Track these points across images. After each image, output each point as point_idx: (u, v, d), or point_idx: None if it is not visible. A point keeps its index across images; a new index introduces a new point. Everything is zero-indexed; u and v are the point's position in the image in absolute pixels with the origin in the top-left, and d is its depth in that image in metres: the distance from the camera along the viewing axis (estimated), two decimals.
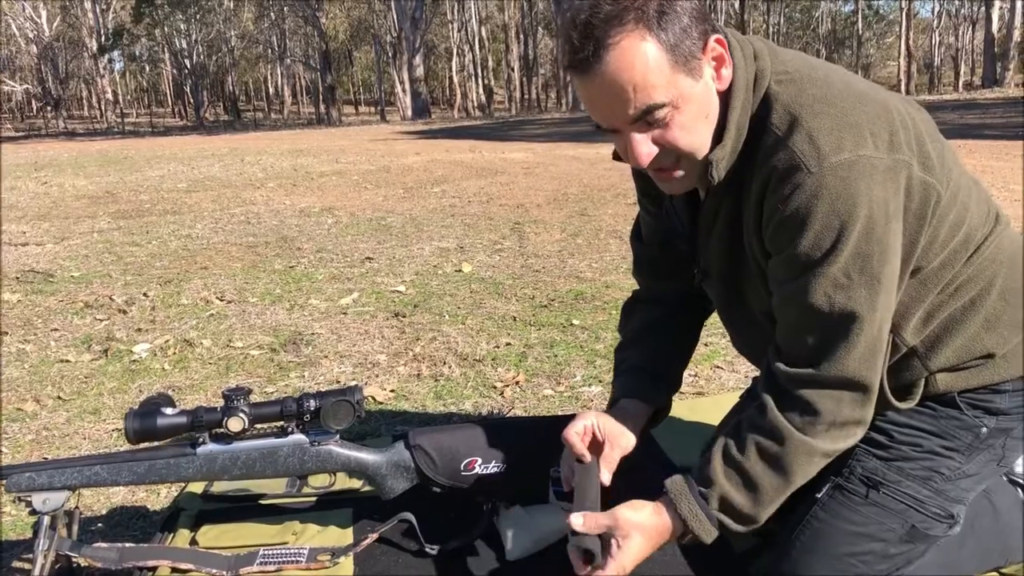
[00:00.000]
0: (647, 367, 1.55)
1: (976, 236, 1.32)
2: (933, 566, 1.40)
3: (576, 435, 1.42)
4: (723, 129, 1.23)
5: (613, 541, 1.28)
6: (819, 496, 1.40)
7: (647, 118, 1.17)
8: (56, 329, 3.48)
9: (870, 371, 1.21)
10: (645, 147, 1.21)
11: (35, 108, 50.87)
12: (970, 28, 41.44)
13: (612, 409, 1.51)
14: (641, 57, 1.13)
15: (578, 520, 1.30)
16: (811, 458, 1.24)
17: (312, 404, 1.57)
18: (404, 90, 32.41)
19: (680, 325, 1.62)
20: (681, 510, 1.28)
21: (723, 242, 1.36)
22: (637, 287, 1.70)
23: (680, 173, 1.25)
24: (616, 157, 1.40)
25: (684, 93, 1.17)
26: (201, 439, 1.59)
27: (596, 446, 1.45)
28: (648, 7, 1.14)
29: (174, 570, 1.59)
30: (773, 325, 1.31)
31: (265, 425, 1.61)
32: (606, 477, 1.42)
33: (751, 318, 1.41)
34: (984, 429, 1.37)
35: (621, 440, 1.45)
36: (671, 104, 1.17)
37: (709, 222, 1.37)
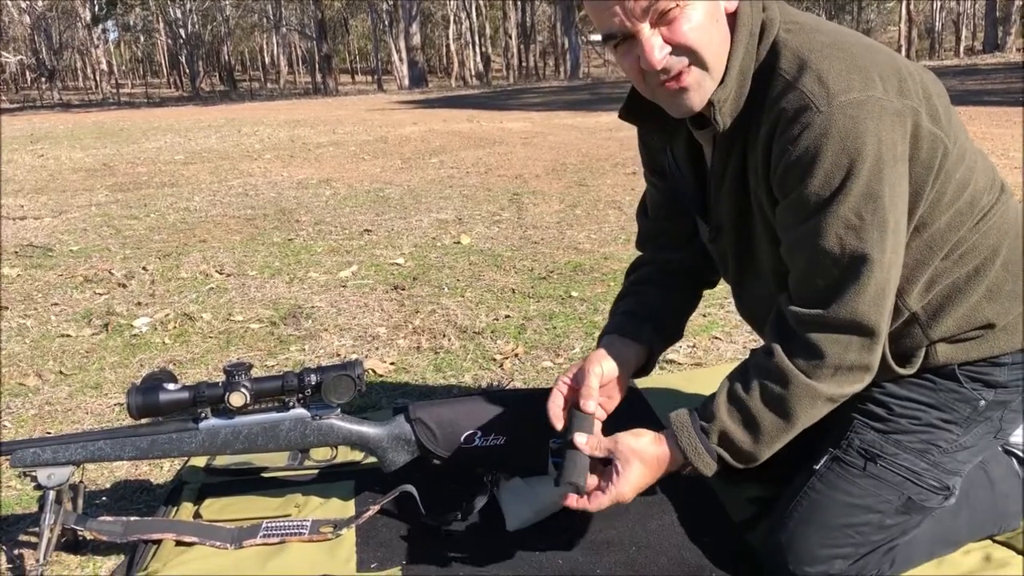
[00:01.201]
0: (636, 311, 1.57)
1: (981, 202, 1.33)
2: (928, 535, 1.43)
3: (594, 390, 1.42)
4: (726, 71, 1.24)
5: (613, 468, 1.32)
6: (817, 468, 1.43)
7: (658, 6, 1.17)
8: (56, 304, 3.49)
9: (878, 315, 1.22)
10: (658, 46, 1.20)
11: (29, 79, 50.52)
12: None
13: (599, 349, 1.51)
14: None
15: (581, 439, 1.35)
16: (815, 401, 1.25)
17: (313, 379, 1.58)
18: (401, 59, 32.18)
19: (678, 283, 1.63)
20: (681, 442, 1.31)
21: (733, 196, 1.36)
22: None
23: (689, 78, 1.23)
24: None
25: None
26: (203, 414, 1.60)
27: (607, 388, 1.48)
28: None
29: (178, 543, 1.61)
30: (779, 285, 1.33)
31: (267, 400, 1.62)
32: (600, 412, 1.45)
33: (759, 277, 1.42)
34: (982, 402, 1.38)
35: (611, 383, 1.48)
36: None
37: (719, 175, 1.37)
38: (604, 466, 1.36)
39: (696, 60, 1.22)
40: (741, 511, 1.67)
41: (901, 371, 1.37)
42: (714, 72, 1.24)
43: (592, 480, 1.35)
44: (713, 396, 1.33)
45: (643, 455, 1.33)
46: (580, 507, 1.35)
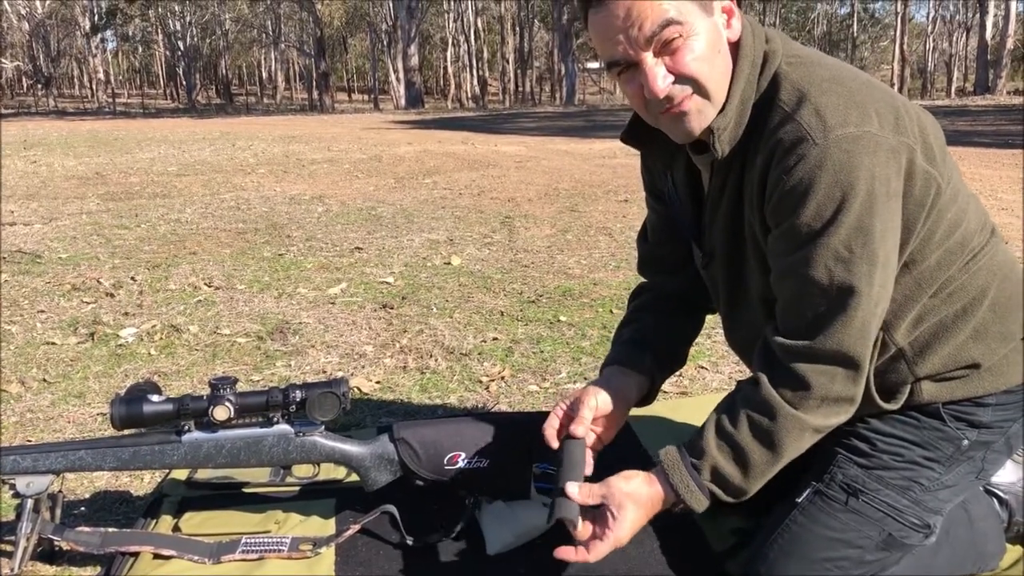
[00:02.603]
0: (637, 340, 1.57)
1: (972, 242, 1.34)
2: (907, 572, 1.42)
3: (586, 420, 1.44)
4: (727, 100, 1.26)
5: (608, 513, 1.31)
6: (799, 500, 1.42)
7: (662, 35, 1.20)
8: (43, 311, 3.47)
9: (863, 348, 1.22)
10: (661, 75, 1.22)
11: (26, 86, 50.45)
12: (964, 34, 41.56)
13: (598, 379, 1.52)
14: None
15: (573, 489, 1.33)
16: (802, 433, 1.26)
17: (298, 395, 1.58)
18: (398, 79, 32.34)
19: (677, 309, 1.64)
20: (673, 480, 1.31)
21: (727, 221, 1.37)
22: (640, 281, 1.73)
23: (690, 105, 1.25)
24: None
25: (695, 22, 1.21)
26: (187, 427, 1.59)
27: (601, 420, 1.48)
28: None
29: (156, 556, 1.60)
30: (768, 314, 1.34)
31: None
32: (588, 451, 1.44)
33: (748, 305, 1.42)
34: (965, 442, 1.39)
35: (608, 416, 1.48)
36: (684, 26, 1.20)
37: (715, 201, 1.39)
38: (595, 510, 1.34)
39: (698, 89, 1.24)
40: (721, 541, 1.67)
41: (885, 406, 1.37)
42: (715, 100, 1.26)
43: (587, 528, 1.33)
44: (701, 431, 1.33)
45: (637, 498, 1.32)
46: (580, 559, 1.32)
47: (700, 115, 1.27)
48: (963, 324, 1.34)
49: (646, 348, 1.56)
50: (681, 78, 1.23)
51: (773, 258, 1.28)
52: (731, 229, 1.37)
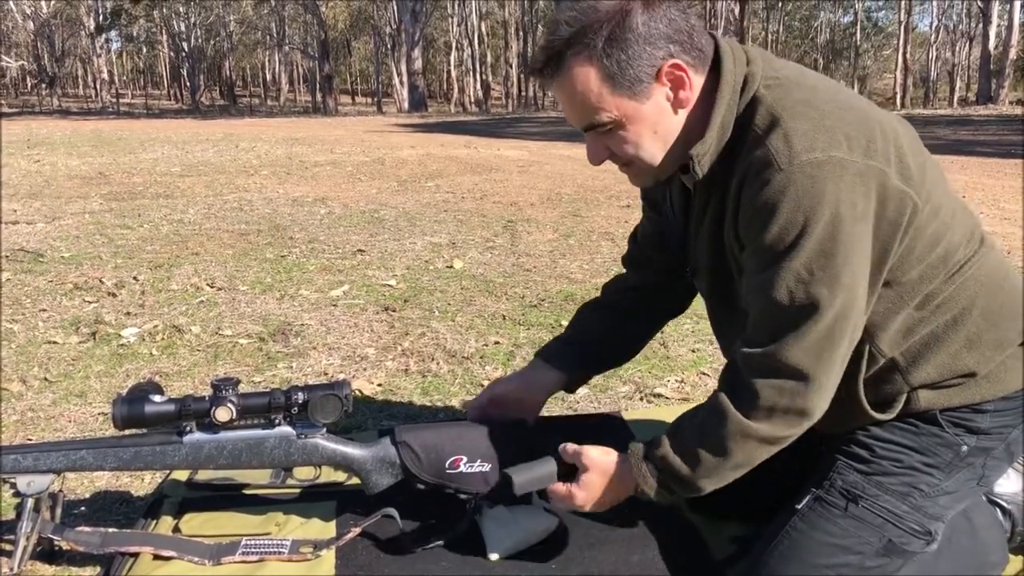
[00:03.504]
0: (572, 339, 1.77)
1: (956, 255, 1.35)
2: None
3: (478, 410, 1.75)
4: (706, 127, 1.31)
5: (579, 475, 1.46)
6: (799, 507, 1.43)
7: (594, 130, 1.33)
8: (44, 310, 3.47)
9: (816, 363, 1.25)
10: (594, 150, 1.38)
11: (30, 85, 50.54)
12: (967, 44, 41.62)
13: (525, 368, 1.82)
14: (583, 82, 1.29)
15: (562, 444, 1.50)
16: (747, 440, 1.30)
17: (300, 397, 1.58)
18: (402, 82, 32.38)
19: (640, 310, 1.76)
20: (631, 462, 1.42)
21: (709, 238, 1.42)
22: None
23: (630, 171, 1.40)
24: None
25: (628, 113, 1.30)
26: (188, 428, 1.59)
27: (506, 404, 1.74)
28: (599, 36, 1.27)
29: (156, 556, 1.60)
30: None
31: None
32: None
33: (734, 315, 1.44)
34: (965, 447, 1.39)
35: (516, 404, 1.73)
36: (614, 122, 1.31)
37: (698, 219, 1.44)
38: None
39: (634, 164, 1.37)
40: (722, 549, 1.66)
41: (879, 416, 1.39)
42: (657, 163, 1.36)
43: (560, 486, 1.48)
44: (668, 427, 1.43)
45: (601, 466, 1.45)
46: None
47: (641, 177, 1.41)
48: (955, 334, 1.36)
49: (576, 346, 1.75)
50: (614, 156, 1.36)
51: (745, 274, 1.33)
52: (713, 245, 1.42)
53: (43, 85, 39.68)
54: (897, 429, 1.41)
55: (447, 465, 1.62)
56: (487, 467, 1.62)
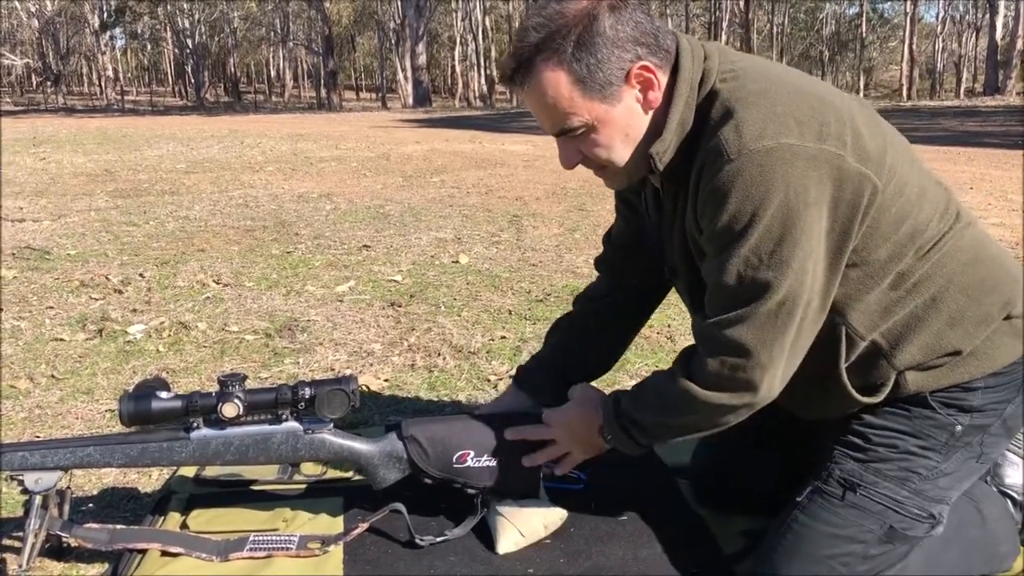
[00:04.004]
0: (549, 360, 1.81)
1: (927, 231, 1.36)
2: (918, 569, 1.42)
3: None
4: (666, 124, 1.34)
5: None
6: (799, 499, 1.44)
7: (566, 135, 1.35)
8: (51, 307, 3.47)
9: (756, 340, 1.28)
10: (566, 154, 1.40)
11: (35, 83, 50.61)
12: (974, 35, 41.43)
13: (504, 395, 1.85)
14: (553, 88, 1.31)
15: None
16: (691, 402, 1.36)
17: (307, 392, 1.57)
18: (406, 77, 32.37)
19: (613, 321, 1.80)
20: (603, 406, 1.53)
21: (679, 236, 1.44)
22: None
23: (602, 174, 1.42)
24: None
25: (599, 116, 1.32)
26: (195, 424, 1.59)
27: None
28: (568, 40, 1.29)
29: (164, 553, 1.59)
30: None
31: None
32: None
33: None
34: (959, 427, 1.40)
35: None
36: (585, 126, 1.33)
37: (670, 217, 1.46)
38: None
39: (606, 166, 1.38)
40: (732, 543, 1.66)
41: (865, 400, 1.40)
42: (628, 164, 1.37)
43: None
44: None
45: (581, 394, 1.61)
46: (516, 437, 1.62)
47: (614, 178, 1.43)
48: (936, 313, 1.36)
49: (555, 371, 1.77)
50: (587, 159, 1.38)
51: (704, 259, 1.37)
52: (684, 242, 1.43)
53: (48, 83, 39.73)
54: (890, 414, 1.42)
55: (454, 459, 1.62)
56: (494, 461, 1.62)
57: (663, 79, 1.33)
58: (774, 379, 1.33)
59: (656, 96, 1.33)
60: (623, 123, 1.34)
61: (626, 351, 1.86)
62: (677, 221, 1.43)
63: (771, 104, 1.26)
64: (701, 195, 1.30)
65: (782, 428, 1.66)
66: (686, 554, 1.62)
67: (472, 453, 1.61)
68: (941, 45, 40.56)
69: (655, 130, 1.35)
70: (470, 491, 1.65)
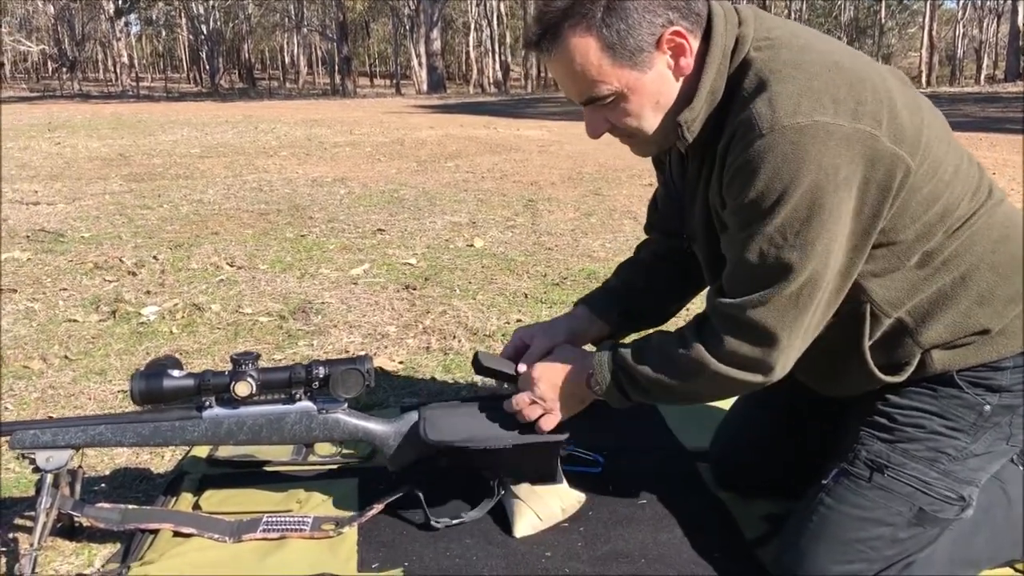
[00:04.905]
0: (617, 289, 1.71)
1: (958, 211, 1.32)
2: (946, 552, 1.39)
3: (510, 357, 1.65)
4: (695, 92, 1.29)
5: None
6: (825, 482, 1.41)
7: (591, 94, 1.30)
8: (65, 289, 3.46)
9: (778, 323, 1.26)
10: (593, 123, 1.35)
11: (51, 69, 50.78)
12: (995, 21, 40.93)
13: (564, 314, 1.74)
14: (582, 54, 1.26)
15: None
16: (701, 370, 1.32)
17: (321, 371, 1.55)
18: (420, 64, 32.28)
19: (674, 271, 1.69)
20: (594, 355, 1.46)
21: (703, 204, 1.39)
22: None
23: (631, 142, 1.38)
24: None
25: (630, 84, 1.28)
26: (207, 403, 1.56)
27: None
28: (597, 5, 1.24)
29: (176, 534, 1.57)
30: None
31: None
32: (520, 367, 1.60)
33: None
34: (987, 407, 1.36)
35: (545, 338, 1.63)
36: (615, 94, 1.29)
37: (692, 185, 1.42)
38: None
39: (635, 135, 1.34)
40: (754, 528, 1.63)
41: (889, 379, 1.37)
42: (657, 133, 1.33)
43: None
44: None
45: (562, 352, 1.54)
46: (517, 410, 1.52)
47: (643, 147, 1.39)
48: (964, 290, 1.33)
49: (620, 301, 1.69)
50: (615, 128, 1.34)
51: (726, 232, 1.33)
52: (706, 212, 1.39)
53: (64, 69, 39.84)
54: (916, 394, 1.39)
55: (472, 442, 1.58)
56: (512, 444, 1.58)
57: (695, 44, 1.28)
58: (788, 359, 1.31)
59: (688, 63, 1.29)
60: (654, 90, 1.30)
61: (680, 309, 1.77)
62: (700, 189, 1.39)
63: (807, 79, 1.21)
64: (729, 168, 1.26)
65: (804, 410, 1.63)
66: (707, 538, 1.59)
67: (489, 435, 1.57)
68: (962, 31, 40.13)
69: (685, 97, 1.31)
70: (487, 474, 1.62)
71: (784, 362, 1.30)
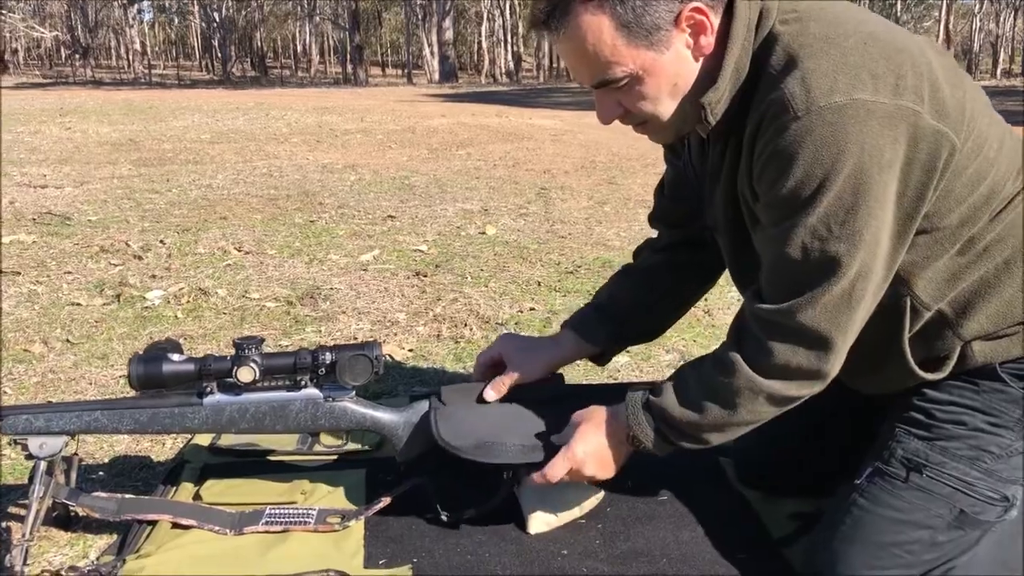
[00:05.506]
0: (606, 307, 1.62)
1: (1003, 191, 1.23)
2: (989, 558, 1.30)
3: (483, 365, 1.61)
4: (718, 72, 1.19)
5: (573, 429, 1.41)
6: (858, 482, 1.32)
7: (603, 78, 1.20)
8: (69, 272, 3.40)
9: (831, 325, 1.17)
10: (605, 108, 1.25)
11: (64, 56, 50.84)
12: (1012, 15, 40.54)
13: (549, 335, 1.66)
14: (595, 34, 1.16)
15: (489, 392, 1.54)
16: (756, 396, 1.24)
17: (328, 357, 1.47)
18: (432, 53, 32.17)
19: (673, 282, 1.62)
20: (628, 411, 1.35)
21: (726, 190, 1.30)
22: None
23: (645, 130, 1.28)
24: None
25: (646, 66, 1.18)
26: (209, 388, 1.49)
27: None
28: None
29: (175, 525, 1.50)
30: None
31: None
32: (489, 395, 1.54)
33: (754, 272, 1.32)
34: None
35: (521, 368, 1.56)
36: (630, 76, 1.19)
37: (715, 172, 1.32)
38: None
39: (649, 121, 1.25)
40: (780, 527, 1.55)
41: (928, 376, 1.29)
42: (673, 119, 1.24)
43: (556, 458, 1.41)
44: (669, 376, 1.37)
45: (587, 414, 1.40)
46: (543, 481, 1.40)
47: (660, 133, 1.29)
48: (1008, 278, 1.25)
49: (610, 321, 1.60)
50: (630, 113, 1.24)
51: (759, 226, 1.24)
52: (730, 200, 1.31)
53: (77, 56, 39.86)
54: (955, 389, 1.30)
55: (484, 440, 1.49)
56: (527, 443, 1.49)
57: (715, 22, 1.19)
58: (839, 361, 1.22)
59: (708, 42, 1.19)
60: (671, 72, 1.20)
61: (679, 317, 1.71)
62: (723, 176, 1.30)
63: (842, 53, 1.12)
64: (760, 156, 1.17)
65: (834, 404, 1.54)
66: (731, 537, 1.51)
67: (503, 436, 1.48)
68: (978, 25, 39.77)
69: (706, 78, 1.21)
70: (500, 465, 1.53)
71: (836, 365, 1.22)
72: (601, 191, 5.39)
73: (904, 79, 1.11)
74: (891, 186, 1.13)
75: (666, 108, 1.23)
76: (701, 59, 1.21)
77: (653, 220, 1.67)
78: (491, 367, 1.61)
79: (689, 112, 1.23)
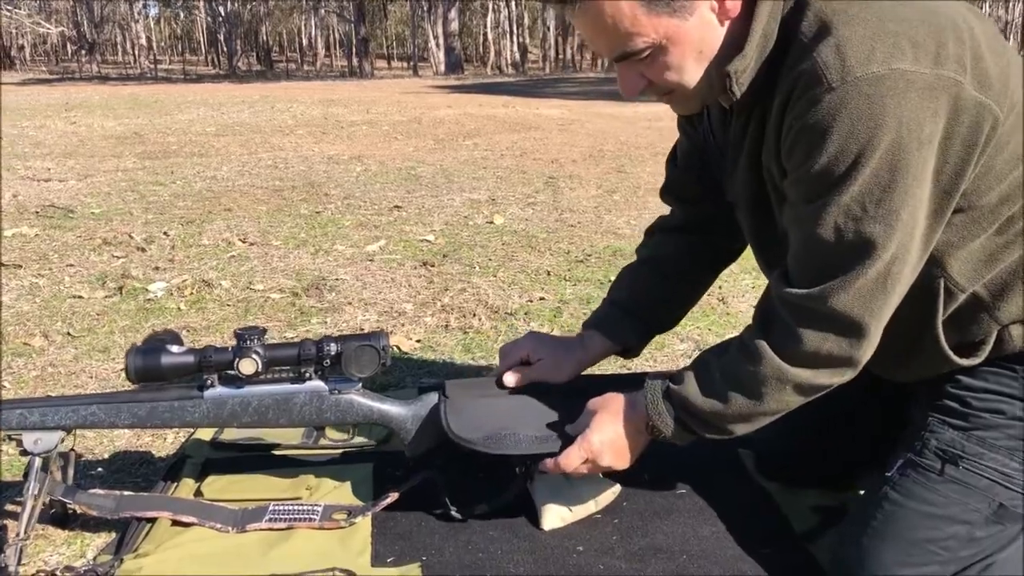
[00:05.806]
0: (627, 303, 1.56)
1: None
2: None
3: (509, 364, 1.52)
4: (745, 39, 1.11)
5: (588, 419, 1.36)
6: (890, 474, 1.26)
7: (624, 50, 1.14)
8: (71, 264, 3.35)
9: (865, 311, 1.12)
10: (628, 81, 1.19)
11: (70, 51, 50.83)
12: (1020, 1, 40.20)
13: (574, 336, 1.59)
14: (612, 4, 1.09)
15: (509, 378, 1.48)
16: (783, 385, 1.19)
17: (333, 348, 1.41)
18: (438, 44, 32.05)
19: (689, 266, 1.56)
20: (647, 399, 1.30)
21: (749, 164, 1.24)
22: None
23: (670, 99, 1.22)
24: None
25: (669, 34, 1.12)
26: (210, 381, 1.43)
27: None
28: None
29: (175, 522, 1.45)
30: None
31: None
32: (508, 379, 1.49)
33: (777, 247, 1.26)
34: None
35: (553, 371, 1.51)
36: (653, 46, 1.13)
37: (737, 143, 1.26)
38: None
39: (676, 92, 1.19)
40: (804, 521, 1.49)
41: (963, 362, 1.22)
42: (698, 88, 1.18)
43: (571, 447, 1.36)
44: (690, 363, 1.32)
45: (604, 402, 1.35)
46: (557, 470, 1.35)
47: (685, 103, 1.23)
48: None
49: (630, 316, 1.55)
50: (654, 84, 1.18)
51: (787, 204, 1.18)
52: (754, 173, 1.24)
53: (82, 51, 39.85)
54: (992, 375, 1.23)
55: (496, 433, 1.43)
56: (540, 436, 1.44)
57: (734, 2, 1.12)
58: (872, 348, 1.16)
59: (734, 4, 1.12)
60: (696, 39, 1.13)
61: (696, 303, 1.66)
62: (746, 149, 1.24)
63: (879, 20, 1.04)
64: (790, 130, 1.10)
65: (860, 392, 1.48)
66: (753, 531, 1.45)
67: (516, 427, 1.42)
68: (987, 11, 39.44)
69: (732, 45, 1.14)
70: (512, 460, 1.48)
71: (869, 352, 1.16)
72: (610, 180, 5.32)
73: (945, 47, 1.05)
74: (929, 162, 1.07)
75: (692, 76, 1.16)
76: (727, 23, 1.14)
77: (664, 193, 1.60)
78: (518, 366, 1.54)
79: (714, 80, 1.16)
